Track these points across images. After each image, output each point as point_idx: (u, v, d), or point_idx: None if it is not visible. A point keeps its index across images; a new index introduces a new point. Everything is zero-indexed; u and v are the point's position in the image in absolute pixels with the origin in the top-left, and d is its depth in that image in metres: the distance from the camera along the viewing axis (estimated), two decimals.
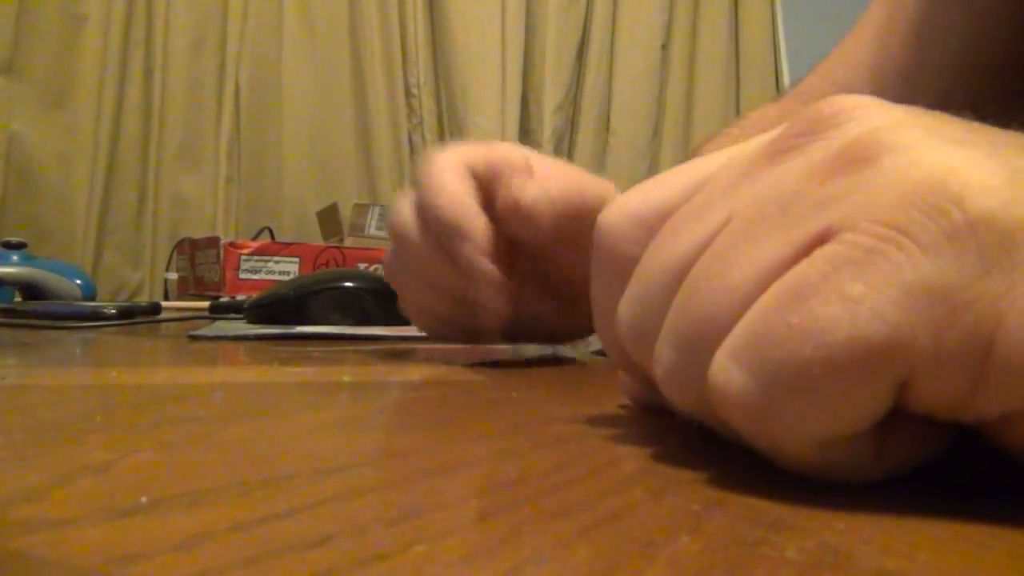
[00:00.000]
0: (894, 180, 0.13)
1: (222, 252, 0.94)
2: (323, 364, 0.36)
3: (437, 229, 0.35)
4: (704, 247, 0.16)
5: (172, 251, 1.45)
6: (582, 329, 0.43)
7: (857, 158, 0.14)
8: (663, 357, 0.16)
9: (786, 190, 0.15)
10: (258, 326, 0.54)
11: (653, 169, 2.04)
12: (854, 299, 0.13)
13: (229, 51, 1.77)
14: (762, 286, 0.14)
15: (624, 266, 0.18)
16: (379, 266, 0.92)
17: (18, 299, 0.87)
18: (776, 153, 0.16)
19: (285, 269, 0.93)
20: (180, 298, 1.14)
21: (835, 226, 0.13)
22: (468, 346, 0.45)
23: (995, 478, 0.17)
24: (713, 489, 0.15)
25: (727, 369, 0.14)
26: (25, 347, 0.41)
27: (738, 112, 2.03)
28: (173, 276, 1.25)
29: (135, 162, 1.69)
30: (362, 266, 0.93)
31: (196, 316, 0.68)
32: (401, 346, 0.47)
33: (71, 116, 1.64)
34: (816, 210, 0.14)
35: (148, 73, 1.70)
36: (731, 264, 0.15)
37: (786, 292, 0.13)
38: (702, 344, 0.15)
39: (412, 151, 1.86)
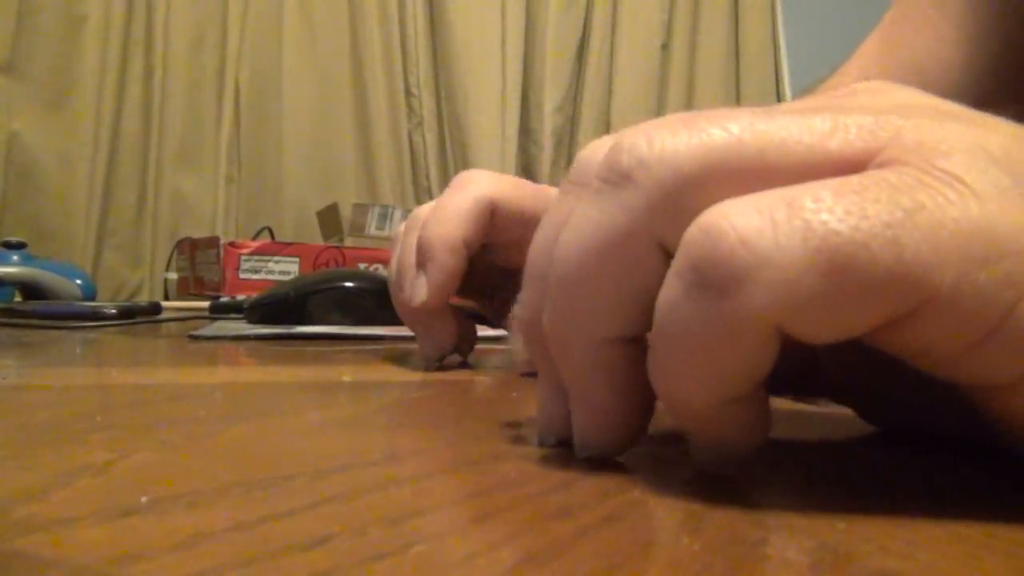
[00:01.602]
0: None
1: (222, 252, 0.93)
2: (323, 364, 0.36)
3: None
4: None
5: (172, 251, 1.45)
6: None
7: None
8: None
9: None
10: (258, 326, 0.54)
11: None
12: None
13: (229, 51, 1.77)
14: None
15: None
16: (379, 266, 0.92)
17: (18, 299, 0.87)
18: None
19: (285, 269, 0.93)
20: (180, 298, 1.14)
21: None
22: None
23: (995, 478, 0.17)
24: (713, 489, 0.15)
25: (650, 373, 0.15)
26: (25, 347, 0.41)
27: None
28: (173, 276, 1.25)
29: (135, 162, 1.69)
30: (362, 266, 0.93)
31: (196, 316, 0.68)
32: (401, 346, 0.47)
33: (71, 116, 1.63)
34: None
35: (148, 73, 1.70)
36: None
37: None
38: None
39: (412, 151, 1.86)
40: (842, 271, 0.12)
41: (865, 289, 0.12)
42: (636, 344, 0.16)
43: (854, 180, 0.13)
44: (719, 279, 0.13)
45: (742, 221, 0.13)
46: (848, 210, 0.13)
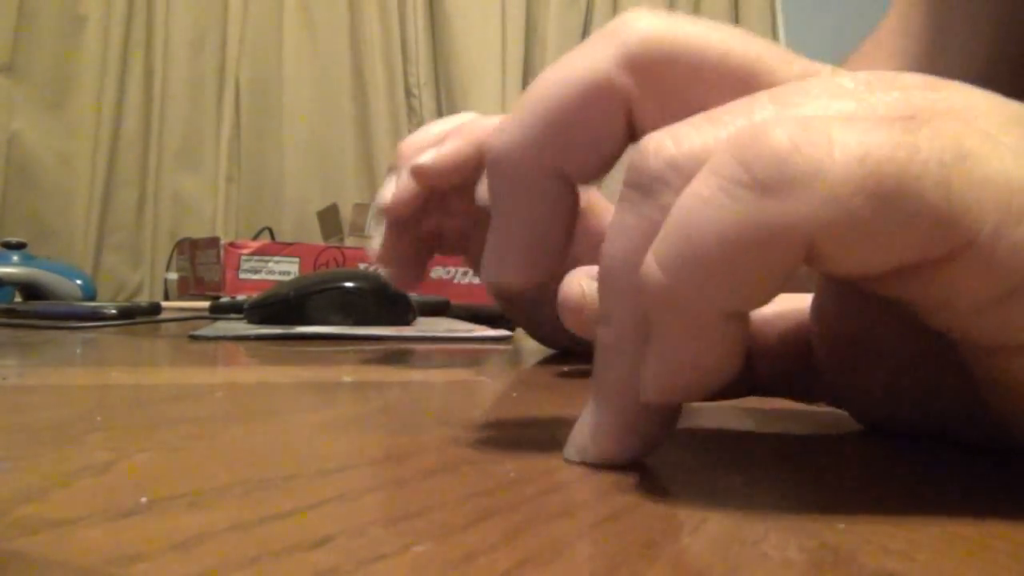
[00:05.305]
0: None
1: (222, 252, 0.93)
2: (323, 364, 0.36)
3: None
4: None
5: (172, 251, 1.45)
6: None
7: None
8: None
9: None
10: (258, 326, 0.54)
11: None
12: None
13: (229, 51, 1.77)
14: None
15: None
16: (379, 266, 0.92)
17: (18, 299, 0.87)
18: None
19: (285, 269, 0.93)
20: (180, 298, 1.14)
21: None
22: (469, 347, 0.45)
23: (995, 478, 0.17)
24: (714, 489, 0.15)
25: (649, 265, 0.14)
26: (25, 347, 0.41)
27: None
28: (173, 276, 1.25)
29: (135, 162, 1.69)
30: (362, 266, 0.93)
31: (196, 316, 0.68)
32: (401, 346, 0.47)
33: (71, 116, 1.63)
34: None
35: (148, 73, 1.70)
36: None
37: (688, 192, 0.14)
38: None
39: None
40: (892, 199, 0.12)
41: (908, 222, 0.12)
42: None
43: (906, 121, 0.13)
44: (768, 179, 0.12)
45: (798, 132, 0.13)
46: (903, 142, 0.12)
